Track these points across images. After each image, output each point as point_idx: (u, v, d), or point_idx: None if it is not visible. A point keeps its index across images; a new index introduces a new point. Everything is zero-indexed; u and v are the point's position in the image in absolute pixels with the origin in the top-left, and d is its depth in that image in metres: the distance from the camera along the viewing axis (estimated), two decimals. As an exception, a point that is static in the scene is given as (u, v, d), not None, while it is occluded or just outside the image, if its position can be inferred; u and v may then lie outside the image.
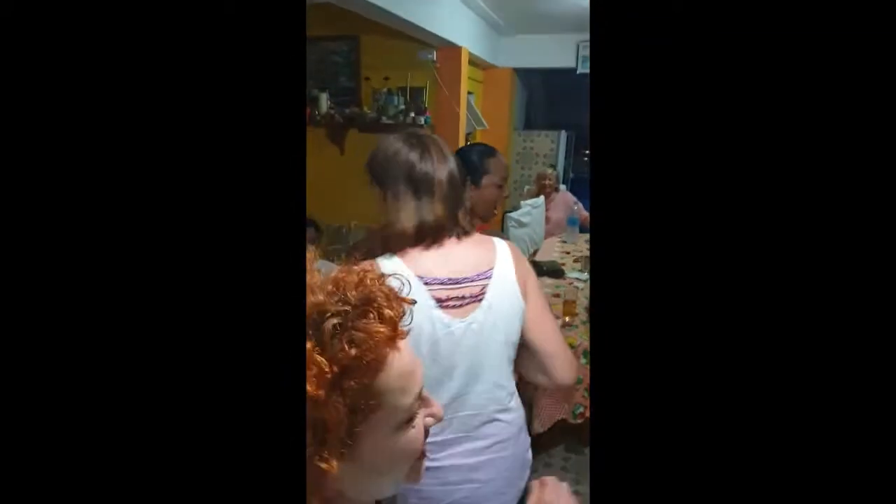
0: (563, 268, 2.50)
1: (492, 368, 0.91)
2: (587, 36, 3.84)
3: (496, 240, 0.96)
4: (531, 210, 3.02)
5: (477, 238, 0.94)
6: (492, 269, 0.91)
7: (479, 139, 3.84)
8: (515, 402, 0.97)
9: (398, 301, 0.44)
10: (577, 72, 3.97)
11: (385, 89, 3.13)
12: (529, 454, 1.01)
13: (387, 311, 0.42)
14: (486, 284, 0.89)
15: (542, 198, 3.21)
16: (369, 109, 3.16)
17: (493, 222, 3.25)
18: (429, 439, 0.90)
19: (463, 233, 0.92)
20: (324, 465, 0.39)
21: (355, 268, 0.46)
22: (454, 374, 0.88)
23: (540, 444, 2.16)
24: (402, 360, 0.43)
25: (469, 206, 1.27)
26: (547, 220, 3.24)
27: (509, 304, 0.90)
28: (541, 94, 5.60)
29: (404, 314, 0.44)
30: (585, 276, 2.37)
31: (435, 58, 3.03)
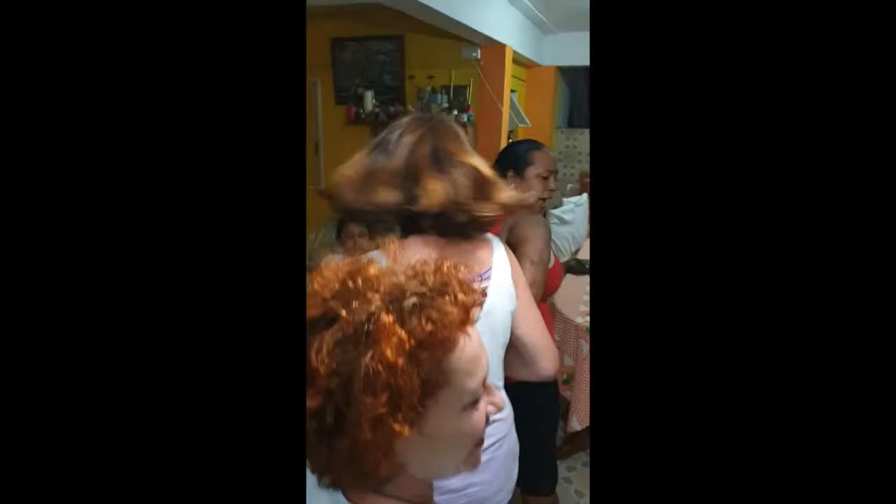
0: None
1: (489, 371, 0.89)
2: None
3: (492, 238, 0.94)
4: (574, 208, 3.00)
5: (480, 239, 0.91)
6: (490, 269, 0.88)
7: (521, 137, 3.83)
8: (507, 403, 0.96)
9: (471, 289, 0.47)
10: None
11: (429, 87, 3.17)
12: (517, 445, 1.00)
13: (461, 297, 0.45)
14: (486, 287, 0.85)
15: (585, 196, 3.18)
16: (413, 107, 3.20)
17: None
18: None
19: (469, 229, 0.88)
20: (397, 427, 0.41)
21: (434, 259, 0.50)
22: None
23: (564, 451, 2.13)
24: (472, 344, 0.47)
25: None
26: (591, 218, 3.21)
27: (506, 307, 0.88)
28: (584, 92, 5.53)
29: (476, 303, 0.47)
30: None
31: (479, 56, 3.05)
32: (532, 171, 1.34)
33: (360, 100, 3.26)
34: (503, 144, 3.02)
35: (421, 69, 3.22)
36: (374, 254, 0.70)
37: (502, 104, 3.13)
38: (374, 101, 3.24)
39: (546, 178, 1.35)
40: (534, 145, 1.40)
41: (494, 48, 3.04)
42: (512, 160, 1.36)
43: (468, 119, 3.07)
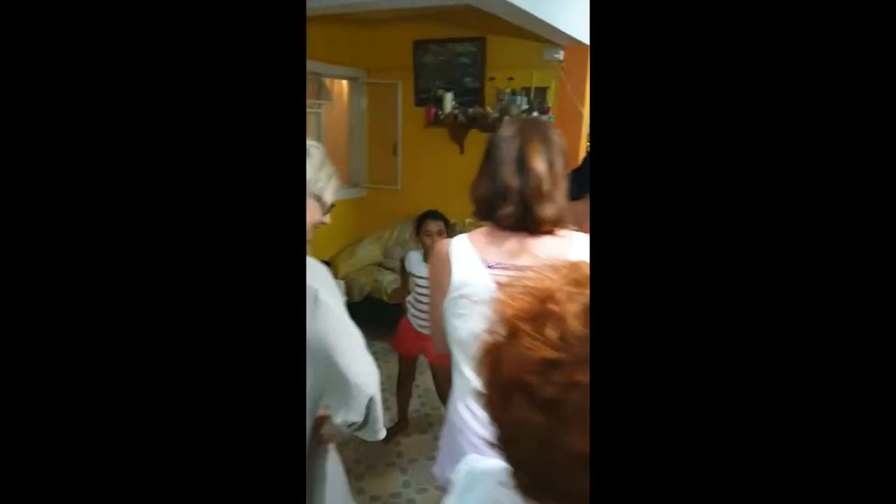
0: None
1: None
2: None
3: (578, 236, 0.94)
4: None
5: (561, 236, 0.93)
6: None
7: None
8: None
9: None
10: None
11: (509, 89, 3.15)
12: None
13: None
14: None
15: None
16: (492, 109, 3.19)
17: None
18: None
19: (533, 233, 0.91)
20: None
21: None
22: None
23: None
24: None
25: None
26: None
27: None
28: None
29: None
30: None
31: (562, 57, 2.99)
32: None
33: (439, 101, 3.30)
34: (583, 146, 2.94)
35: (502, 71, 3.20)
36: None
37: (583, 106, 3.04)
38: (453, 103, 3.27)
39: None
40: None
41: (577, 49, 2.96)
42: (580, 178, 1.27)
43: (548, 120, 3.02)
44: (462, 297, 0.94)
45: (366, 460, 2.01)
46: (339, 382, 0.85)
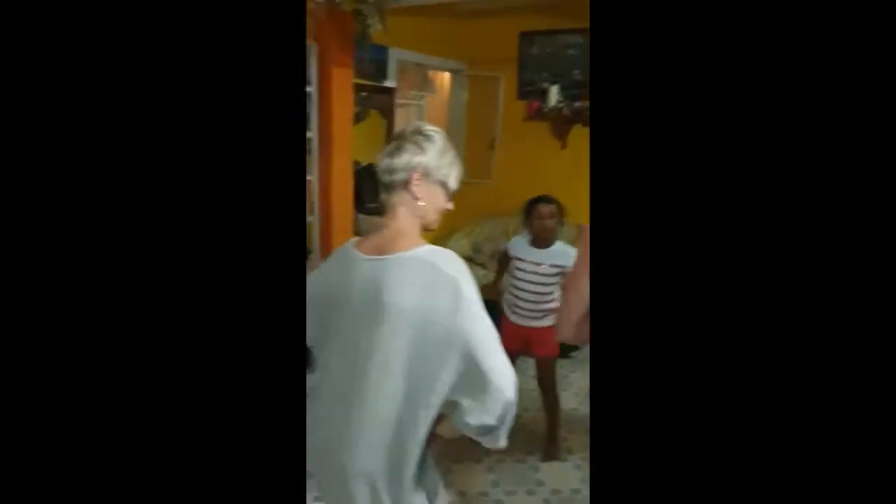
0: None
1: None
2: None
3: None
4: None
5: None
6: None
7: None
8: None
9: None
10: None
11: (618, 82, 2.98)
12: None
13: None
14: None
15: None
16: (598, 103, 3.04)
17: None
18: None
19: None
20: None
21: None
22: None
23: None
24: None
25: None
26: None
27: None
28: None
29: None
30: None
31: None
32: None
33: (544, 94, 3.20)
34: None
35: (611, 63, 3.04)
36: None
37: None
38: (558, 96, 3.16)
39: None
40: None
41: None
42: None
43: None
44: None
45: (453, 454, 2.00)
46: (479, 382, 0.80)
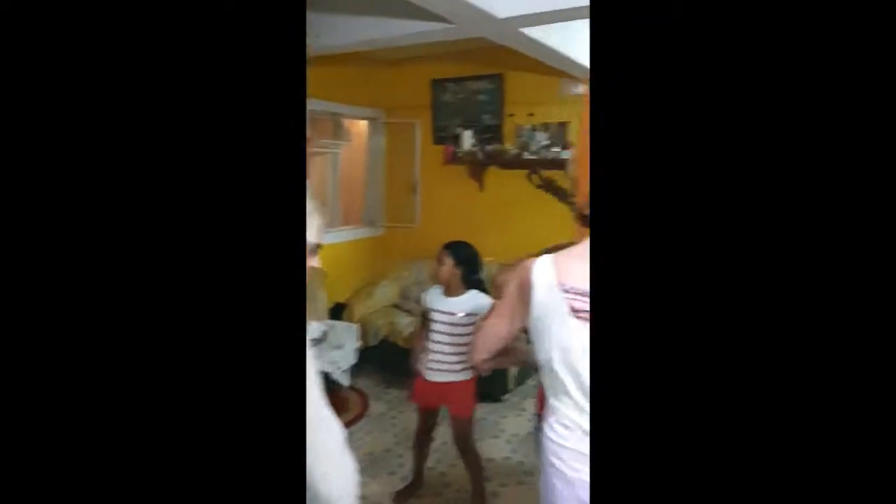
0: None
1: None
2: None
3: None
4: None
5: None
6: None
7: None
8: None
9: None
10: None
11: (529, 125, 3.08)
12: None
13: None
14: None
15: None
16: (511, 146, 3.12)
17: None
18: (567, 445, 0.91)
19: None
20: None
21: None
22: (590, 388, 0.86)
23: None
24: None
25: None
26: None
27: None
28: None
29: None
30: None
31: (582, 91, 2.92)
32: None
33: (458, 139, 3.25)
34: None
35: (521, 107, 3.15)
36: None
37: (607, 141, 2.95)
38: (472, 140, 3.21)
39: None
40: None
41: (599, 83, 2.91)
42: None
43: (569, 156, 2.93)
44: (538, 319, 0.91)
45: (380, 522, 1.84)
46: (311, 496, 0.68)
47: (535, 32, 2.00)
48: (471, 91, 3.28)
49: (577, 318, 0.85)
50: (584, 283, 0.84)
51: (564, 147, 2.96)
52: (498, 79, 3.18)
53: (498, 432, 2.42)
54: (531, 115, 3.11)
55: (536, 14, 1.66)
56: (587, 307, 0.84)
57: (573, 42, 2.39)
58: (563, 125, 3.03)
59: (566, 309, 0.87)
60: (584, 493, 0.86)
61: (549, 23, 1.85)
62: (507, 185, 3.20)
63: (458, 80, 3.31)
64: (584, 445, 0.86)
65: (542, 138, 3.02)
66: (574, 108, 2.99)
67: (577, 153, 2.95)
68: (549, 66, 2.59)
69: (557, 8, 1.63)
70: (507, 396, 2.72)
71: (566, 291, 0.87)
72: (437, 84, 3.37)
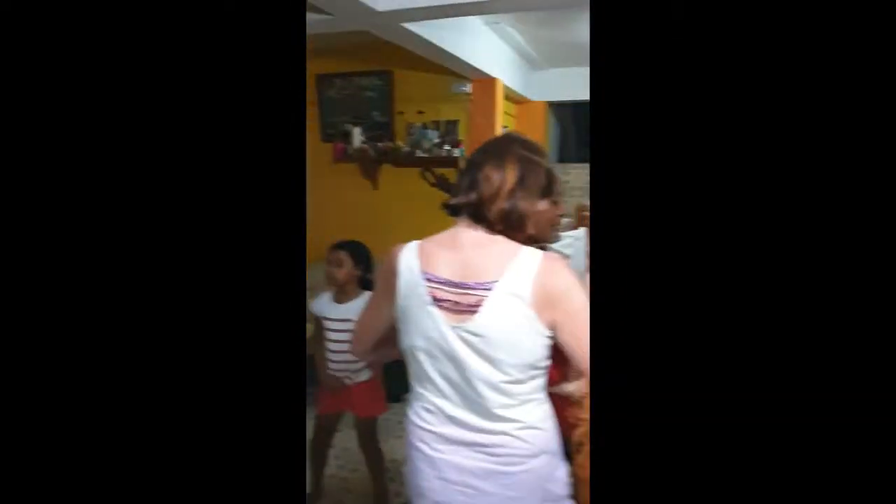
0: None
1: (488, 384, 0.85)
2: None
3: (526, 251, 0.85)
4: (573, 241, 2.88)
5: (505, 245, 0.86)
6: (494, 281, 0.82)
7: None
8: (539, 422, 0.89)
9: None
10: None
11: (419, 123, 3.09)
12: (559, 489, 0.93)
13: None
14: (483, 297, 0.83)
15: (583, 229, 3.06)
16: (403, 143, 3.11)
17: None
18: (430, 428, 0.92)
19: (480, 225, 0.87)
20: None
21: None
22: (451, 375, 0.87)
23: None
24: None
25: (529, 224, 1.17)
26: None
27: (515, 325, 0.82)
28: (574, 127, 5.54)
29: None
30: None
31: (469, 90, 2.98)
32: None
33: (347, 136, 3.16)
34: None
35: (410, 104, 3.15)
36: None
37: (495, 138, 3.05)
38: (361, 138, 3.14)
39: (557, 203, 1.23)
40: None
41: (485, 82, 2.98)
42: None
43: (461, 154, 2.98)
44: (402, 306, 0.91)
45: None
46: None
47: (421, 29, 1.99)
48: (358, 87, 3.21)
49: (439, 307, 0.86)
50: (446, 272, 0.86)
51: (455, 145, 3.00)
52: (387, 75, 3.15)
53: (401, 432, 2.38)
54: (421, 112, 3.11)
55: (417, 9, 1.65)
56: (448, 297, 0.85)
57: (461, 40, 2.42)
58: (453, 123, 3.08)
59: (428, 297, 0.87)
60: (446, 474, 0.89)
61: (431, 19, 1.86)
62: (401, 183, 3.18)
63: (345, 76, 3.22)
64: (446, 428, 0.89)
65: (433, 136, 3.04)
66: (462, 107, 3.04)
67: (468, 151, 3.01)
68: (437, 65, 2.61)
69: (439, 4, 1.63)
70: (409, 395, 2.70)
71: (428, 280, 0.87)
72: (323, 79, 3.26)
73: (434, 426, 0.91)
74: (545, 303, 0.82)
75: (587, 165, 4.50)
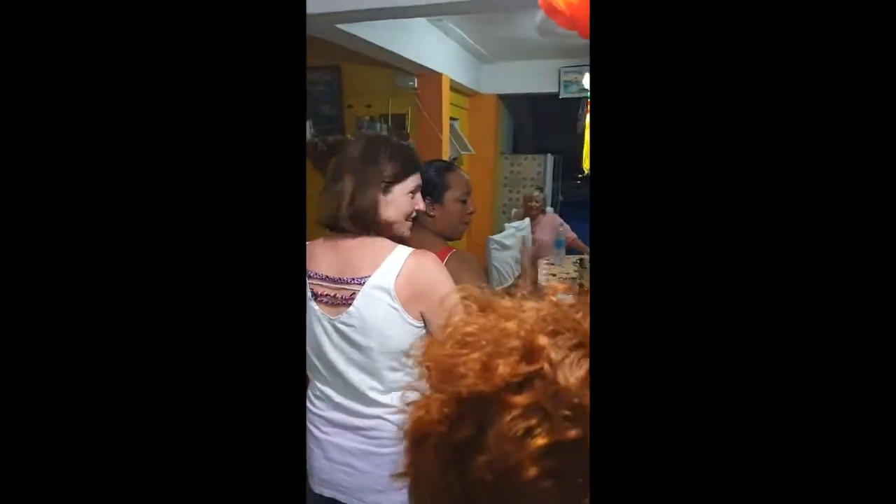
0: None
1: (364, 371, 0.94)
2: (568, 62, 3.89)
3: (400, 249, 0.94)
4: (515, 232, 3.00)
5: (381, 244, 0.94)
6: (367, 276, 0.91)
7: (465, 164, 3.85)
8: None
9: None
10: (560, 96, 4.02)
11: (367, 117, 3.15)
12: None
13: None
14: (356, 291, 0.91)
15: (526, 220, 3.19)
16: (353, 137, 3.17)
17: (470, 244, 3.23)
18: (320, 413, 1.01)
19: (366, 234, 0.95)
20: None
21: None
22: (331, 364, 0.96)
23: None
24: None
25: (433, 222, 1.26)
26: (534, 241, 3.21)
27: (383, 316, 0.90)
28: (526, 119, 5.66)
29: None
30: (570, 298, 2.33)
31: (416, 85, 3.06)
32: (450, 196, 1.29)
33: (297, 130, 3.20)
34: (444, 171, 3.02)
35: (359, 98, 3.21)
36: None
37: (441, 132, 3.14)
38: (312, 131, 3.19)
39: (464, 202, 1.32)
40: (446, 165, 1.35)
41: (431, 77, 3.07)
42: (427, 186, 1.24)
43: (409, 146, 3.06)
44: None
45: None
46: None
47: (359, 29, 2.06)
48: (308, 82, 3.25)
49: (318, 301, 0.95)
50: (325, 268, 0.95)
51: (403, 138, 3.08)
52: (335, 70, 3.20)
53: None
54: (369, 106, 3.18)
55: (350, 12, 1.72)
56: (326, 291, 0.94)
57: (402, 38, 2.50)
58: (400, 117, 3.15)
59: (309, 292, 0.95)
60: (331, 454, 0.99)
61: (363, 21, 1.93)
62: (351, 175, 3.24)
63: (295, 70, 3.25)
64: (333, 413, 0.99)
65: (382, 129, 3.11)
66: (409, 101, 3.12)
67: (416, 144, 3.10)
68: (381, 60, 2.68)
69: (370, 7, 1.71)
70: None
71: (310, 277, 0.96)
72: (273, 73, 3.28)
73: (323, 411, 1.00)
74: (410, 296, 0.90)
75: (538, 156, 4.64)
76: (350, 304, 0.92)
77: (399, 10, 1.77)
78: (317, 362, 0.99)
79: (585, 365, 0.31)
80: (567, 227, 3.39)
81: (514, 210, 3.87)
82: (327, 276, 0.95)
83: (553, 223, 3.39)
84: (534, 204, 3.41)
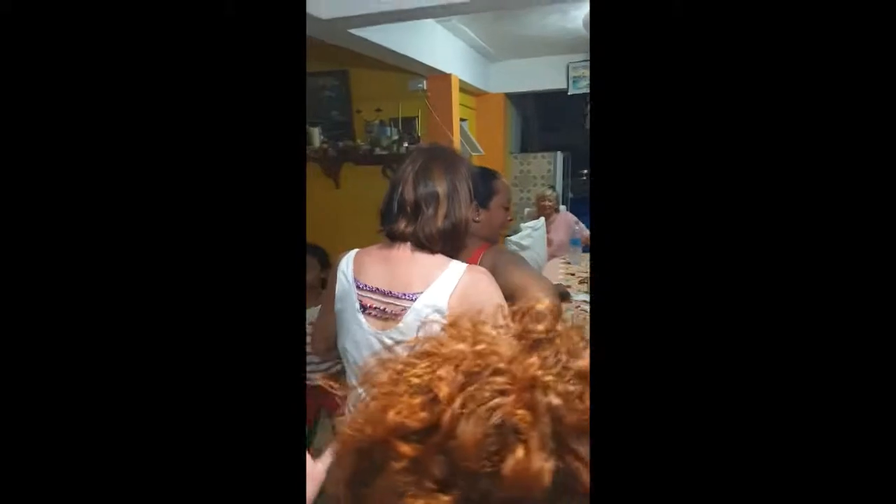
0: (569, 290, 2.42)
1: None
2: (576, 57, 3.84)
3: (454, 265, 0.90)
4: (532, 232, 2.96)
5: (434, 259, 0.91)
6: (419, 293, 0.88)
7: (475, 165, 3.81)
8: None
9: None
10: (569, 93, 3.97)
11: (377, 121, 3.12)
12: None
13: None
14: (407, 307, 0.88)
15: (542, 219, 3.15)
16: (362, 142, 3.14)
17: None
18: None
19: (421, 248, 0.91)
20: None
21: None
22: None
23: None
24: None
25: (477, 227, 1.25)
26: (549, 241, 3.18)
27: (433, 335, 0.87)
28: (534, 116, 5.62)
29: None
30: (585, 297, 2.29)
31: (425, 87, 3.03)
32: (496, 202, 1.31)
33: (307, 137, 3.18)
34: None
35: (368, 103, 3.18)
36: None
37: (452, 133, 3.11)
38: (321, 137, 3.17)
39: (507, 209, 1.33)
40: (491, 173, 1.36)
41: (440, 78, 3.04)
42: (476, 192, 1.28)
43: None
44: (339, 310, 0.96)
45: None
46: None
47: (370, 33, 2.03)
48: (316, 87, 3.23)
49: (366, 314, 0.92)
50: (375, 280, 0.92)
51: (414, 141, 3.05)
52: (343, 75, 3.17)
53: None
54: (379, 110, 3.15)
55: (361, 16, 1.69)
56: (376, 304, 0.91)
57: (412, 40, 2.47)
58: (410, 120, 3.12)
59: (358, 304, 0.92)
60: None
61: (375, 24, 1.90)
62: (362, 181, 3.22)
63: (302, 77, 3.23)
64: None
65: (392, 133, 3.09)
66: (419, 103, 3.09)
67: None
68: (390, 64, 2.65)
69: (382, 10, 1.68)
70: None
71: (359, 288, 0.93)
72: (280, 81, 3.26)
73: None
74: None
75: (547, 154, 4.60)
76: (399, 321, 0.89)
77: (410, 12, 1.74)
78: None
79: (500, 414, 0.26)
80: (582, 225, 3.35)
81: (526, 210, 3.84)
82: (377, 289, 0.92)
83: (568, 222, 3.35)
84: (547, 203, 3.37)
